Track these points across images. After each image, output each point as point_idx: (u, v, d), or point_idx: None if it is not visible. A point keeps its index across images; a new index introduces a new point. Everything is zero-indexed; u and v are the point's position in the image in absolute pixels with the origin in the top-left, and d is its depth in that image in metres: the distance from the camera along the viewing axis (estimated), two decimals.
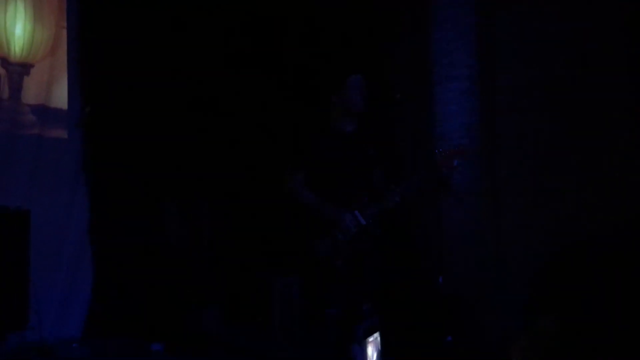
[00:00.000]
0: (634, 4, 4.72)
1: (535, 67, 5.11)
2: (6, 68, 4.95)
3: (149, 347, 4.76)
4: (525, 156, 5.15)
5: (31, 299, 4.37)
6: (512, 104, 5.22)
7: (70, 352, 4.69)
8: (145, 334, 4.85)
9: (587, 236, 4.63)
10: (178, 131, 5.39)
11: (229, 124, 5.64)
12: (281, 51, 5.76)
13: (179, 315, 5.07)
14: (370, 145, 3.75)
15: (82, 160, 5.19)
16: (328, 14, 5.68)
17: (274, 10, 5.73)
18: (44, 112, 5.12)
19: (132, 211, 5.15)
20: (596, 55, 4.81)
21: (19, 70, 5.02)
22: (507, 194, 5.25)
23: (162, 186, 5.36)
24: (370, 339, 3.56)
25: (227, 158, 5.57)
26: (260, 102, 5.70)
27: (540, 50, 5.08)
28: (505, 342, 4.71)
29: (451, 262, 5.30)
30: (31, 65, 5.09)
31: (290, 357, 4.74)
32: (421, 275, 5.19)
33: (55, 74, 5.21)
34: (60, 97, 5.23)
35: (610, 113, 4.77)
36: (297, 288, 4.96)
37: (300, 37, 5.72)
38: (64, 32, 5.26)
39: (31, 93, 5.06)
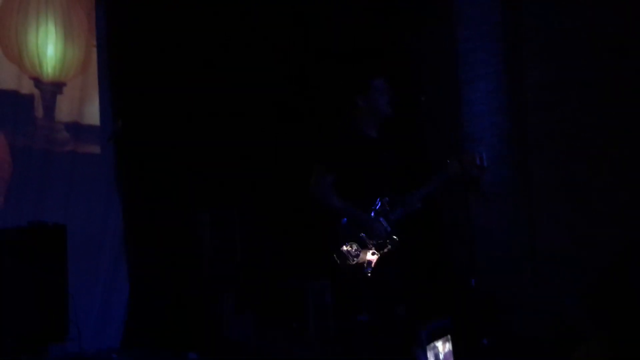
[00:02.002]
0: None
1: (564, 62, 5.04)
2: (39, 88, 5.08)
3: (185, 356, 4.81)
4: (558, 153, 5.08)
5: (70, 311, 4.47)
6: (542, 100, 5.16)
7: None
8: (181, 343, 4.90)
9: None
10: (208, 141, 5.46)
11: (258, 132, 5.68)
12: (307, 55, 5.79)
13: (213, 324, 5.11)
14: (395, 149, 3.74)
15: (115, 174, 5.28)
16: (352, 16, 5.69)
17: (299, 14, 5.76)
18: (77, 129, 5.25)
19: (166, 221, 5.22)
20: (627, 48, 4.72)
21: (51, 89, 5.15)
22: (540, 193, 5.19)
23: (194, 196, 5.42)
24: (438, 342, 3.50)
25: (257, 164, 5.62)
26: (288, 108, 5.74)
27: (568, 44, 5.02)
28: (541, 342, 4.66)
29: (485, 262, 5.25)
30: (63, 84, 5.22)
31: None
32: (454, 278, 5.14)
33: (87, 92, 5.34)
34: (92, 114, 5.36)
35: None
36: (330, 292, 4.96)
37: (324, 41, 5.74)
38: (94, 51, 5.39)
39: (64, 111, 5.19)
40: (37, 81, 5.08)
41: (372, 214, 3.63)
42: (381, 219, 3.61)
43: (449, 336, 3.52)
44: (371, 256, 3.58)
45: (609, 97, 4.79)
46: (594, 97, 4.87)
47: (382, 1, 5.77)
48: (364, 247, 3.58)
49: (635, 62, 4.66)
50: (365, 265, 3.57)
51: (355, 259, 3.56)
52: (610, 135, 4.81)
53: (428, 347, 3.35)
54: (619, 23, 4.72)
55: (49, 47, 5.13)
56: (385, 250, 3.60)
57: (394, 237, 3.62)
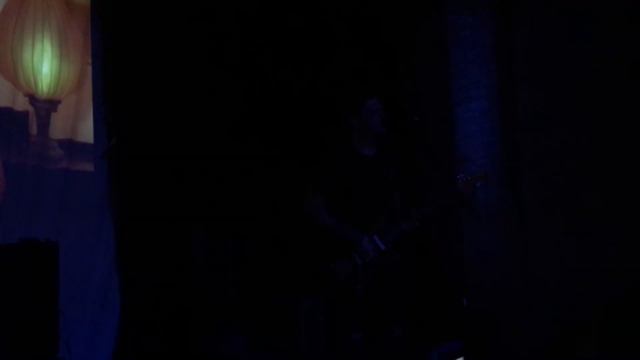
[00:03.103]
0: None
1: (556, 83, 5.11)
2: (34, 105, 5.08)
3: None
4: (551, 174, 5.13)
5: (60, 329, 4.43)
6: (535, 121, 5.22)
7: None
8: None
9: None
10: (202, 159, 5.47)
11: (251, 150, 5.70)
12: (302, 75, 5.83)
13: (204, 342, 5.09)
14: (390, 168, 3.77)
15: (108, 192, 5.28)
16: (347, 36, 5.75)
17: (294, 35, 5.81)
18: (71, 147, 5.23)
19: (158, 239, 5.20)
20: (619, 69, 4.78)
21: (46, 106, 5.14)
22: (533, 213, 5.22)
23: (187, 214, 5.42)
24: None
25: (252, 182, 5.63)
26: (282, 126, 5.77)
27: (560, 65, 5.09)
28: None
29: (478, 282, 5.26)
30: (58, 102, 5.22)
31: None
32: (446, 297, 5.15)
33: (81, 109, 5.34)
34: (86, 132, 5.35)
35: (637, 126, 4.72)
36: (323, 311, 4.95)
37: (319, 61, 5.79)
38: (89, 68, 5.40)
39: (58, 128, 5.18)
40: (32, 98, 5.08)
41: (367, 232, 3.64)
42: (375, 237, 3.62)
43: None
44: (362, 274, 3.59)
45: (601, 118, 4.85)
46: (587, 117, 4.93)
47: (375, 23, 5.82)
48: (355, 264, 3.59)
49: (627, 82, 4.72)
50: (355, 282, 3.58)
51: (344, 276, 3.58)
52: (603, 156, 4.86)
53: None
54: (610, 44, 4.78)
55: (45, 64, 5.14)
56: (377, 268, 3.60)
57: (388, 255, 3.63)
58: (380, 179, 3.73)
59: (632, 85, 4.72)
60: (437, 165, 5.52)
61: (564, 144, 5.03)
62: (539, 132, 5.19)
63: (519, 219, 5.25)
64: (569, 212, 4.98)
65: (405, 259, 3.72)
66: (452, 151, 5.56)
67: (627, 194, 4.74)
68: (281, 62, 5.85)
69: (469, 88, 5.56)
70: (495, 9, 5.42)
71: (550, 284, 4.98)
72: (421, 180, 5.38)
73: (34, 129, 5.07)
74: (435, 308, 5.04)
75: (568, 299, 4.82)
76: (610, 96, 4.81)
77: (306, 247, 3.95)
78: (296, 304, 5.10)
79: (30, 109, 5.07)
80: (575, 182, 4.98)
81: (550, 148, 5.10)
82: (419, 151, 5.59)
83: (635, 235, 4.63)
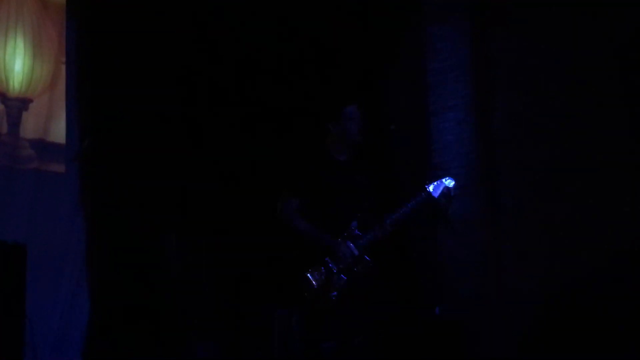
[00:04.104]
0: (628, 33, 4.77)
1: (533, 94, 5.15)
2: (5, 103, 5.00)
3: None
4: (527, 182, 5.17)
5: (27, 334, 4.32)
6: (512, 132, 5.26)
7: None
8: None
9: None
10: (176, 164, 5.41)
11: (226, 154, 5.66)
12: (279, 82, 5.81)
13: (176, 351, 5.02)
14: (365, 175, 3.75)
15: (80, 194, 5.19)
16: (325, 44, 5.74)
17: (271, 42, 5.79)
18: (43, 147, 5.15)
19: (131, 243, 5.14)
20: (593, 81, 4.85)
21: (17, 105, 5.06)
22: (508, 222, 5.24)
23: (160, 219, 5.35)
24: None
25: (225, 188, 5.58)
26: (256, 132, 5.73)
27: (538, 75, 5.13)
28: None
29: (452, 290, 5.27)
30: (30, 101, 5.13)
31: None
32: (419, 306, 5.14)
33: (54, 109, 5.25)
34: (58, 132, 5.26)
35: (610, 138, 4.79)
36: (297, 319, 4.91)
37: (298, 68, 5.78)
38: (63, 68, 5.32)
39: (30, 128, 5.09)
40: (3, 96, 5.00)
41: (340, 238, 3.62)
42: (348, 243, 3.59)
43: None
44: (337, 280, 3.56)
45: (577, 127, 4.91)
46: (563, 127, 4.98)
47: (353, 31, 5.83)
48: (329, 271, 3.56)
49: (603, 92, 4.79)
50: (330, 289, 3.55)
51: (319, 283, 3.54)
52: (578, 166, 4.91)
53: None
54: (587, 55, 4.84)
55: (17, 62, 5.06)
56: (352, 274, 3.57)
57: (362, 261, 3.60)
58: (354, 185, 3.71)
59: (609, 94, 4.78)
60: (412, 174, 5.53)
61: (540, 154, 5.07)
62: (515, 142, 5.23)
63: (494, 228, 5.27)
64: (544, 222, 5.02)
65: (379, 266, 3.69)
66: (427, 160, 5.57)
67: (601, 204, 4.79)
68: (257, 67, 5.83)
69: (446, 98, 5.58)
70: (472, 18, 5.45)
71: (525, 293, 5.00)
72: (395, 188, 5.38)
73: (4, 127, 4.99)
74: (407, 316, 5.03)
75: (542, 307, 4.85)
76: (586, 106, 4.86)
77: (280, 254, 3.91)
78: (269, 312, 5.06)
79: (1, 107, 4.99)
80: (550, 192, 5.02)
81: (526, 158, 5.14)
82: (394, 159, 5.62)
83: (609, 245, 4.68)
